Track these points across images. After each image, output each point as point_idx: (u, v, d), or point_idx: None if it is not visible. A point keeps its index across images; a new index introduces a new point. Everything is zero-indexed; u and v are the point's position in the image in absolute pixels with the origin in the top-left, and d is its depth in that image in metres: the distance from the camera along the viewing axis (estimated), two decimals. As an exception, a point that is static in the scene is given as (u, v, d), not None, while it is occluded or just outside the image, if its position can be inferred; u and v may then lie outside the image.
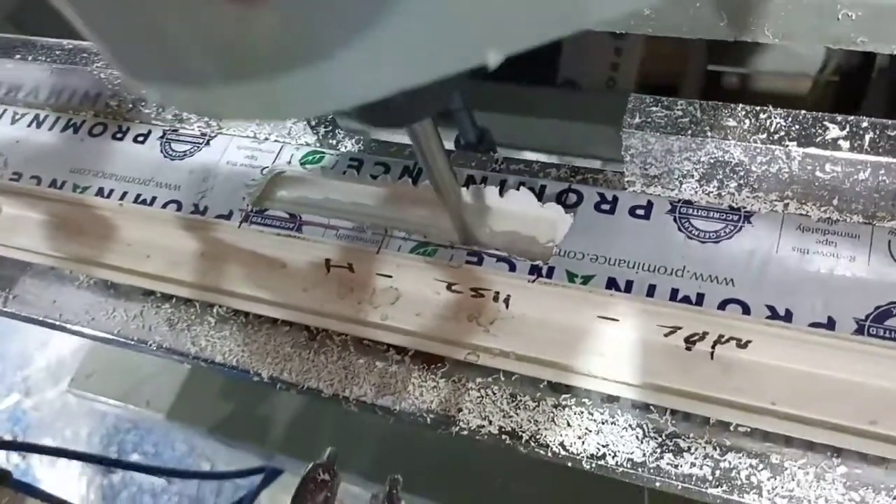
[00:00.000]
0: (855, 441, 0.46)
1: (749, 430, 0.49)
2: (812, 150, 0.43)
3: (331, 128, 0.61)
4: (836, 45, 0.46)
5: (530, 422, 0.53)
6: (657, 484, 0.50)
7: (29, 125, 0.69)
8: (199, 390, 1.27)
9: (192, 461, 2.28)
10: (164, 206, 0.60)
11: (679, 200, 0.51)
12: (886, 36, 0.45)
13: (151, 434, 2.44)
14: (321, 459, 0.49)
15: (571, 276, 0.50)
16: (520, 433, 0.53)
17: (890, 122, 0.43)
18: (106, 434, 2.41)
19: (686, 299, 0.47)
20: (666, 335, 0.50)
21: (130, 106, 0.65)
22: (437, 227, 0.55)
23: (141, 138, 0.65)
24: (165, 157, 0.63)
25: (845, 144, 0.43)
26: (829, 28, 0.45)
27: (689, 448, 0.50)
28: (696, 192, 0.50)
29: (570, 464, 0.53)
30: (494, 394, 0.55)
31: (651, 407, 0.51)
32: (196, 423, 1.23)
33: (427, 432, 1.18)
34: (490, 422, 0.54)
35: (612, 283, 0.49)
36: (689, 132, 0.46)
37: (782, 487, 0.47)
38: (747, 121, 0.45)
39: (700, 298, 0.47)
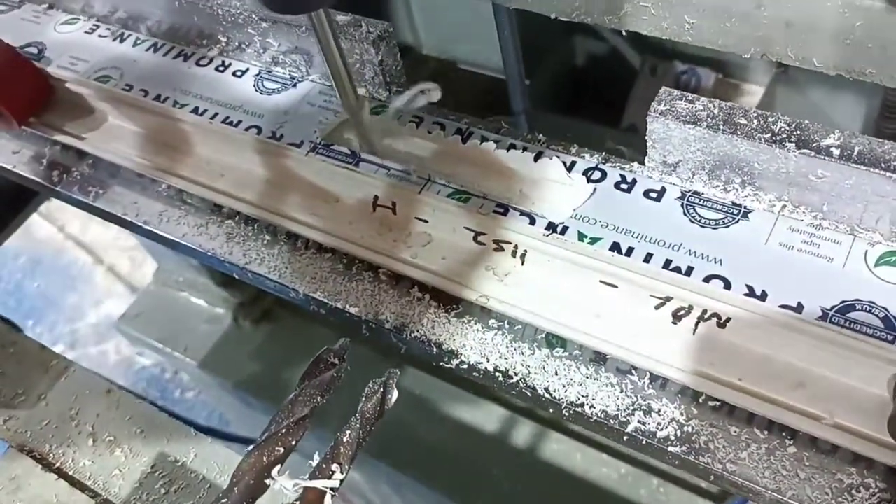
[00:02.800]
0: (806, 423, 0.50)
1: (717, 404, 0.54)
2: (806, 152, 0.49)
3: (402, 90, 0.70)
4: (849, 74, 0.53)
5: (523, 366, 0.59)
6: (624, 438, 0.56)
7: (147, 49, 0.80)
8: (232, 348, 1.35)
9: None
10: (247, 129, 0.70)
11: (690, 191, 0.57)
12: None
13: (176, 407, 2.53)
14: (334, 346, 0.55)
15: (581, 236, 0.56)
16: (512, 374, 0.59)
17: (878, 139, 0.49)
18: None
19: (677, 269, 0.53)
20: (657, 307, 0.56)
21: (237, 44, 0.75)
22: (476, 182, 0.62)
23: (239, 73, 0.75)
24: (257, 91, 0.73)
25: (836, 152, 0.49)
26: (844, 57, 0.52)
27: (659, 410, 0.55)
28: (705, 185, 0.56)
29: (551, 409, 0.58)
30: (496, 338, 0.61)
31: (633, 370, 0.57)
32: (224, 376, 1.31)
33: (430, 423, 1.24)
34: (488, 360, 0.60)
35: (615, 247, 0.55)
36: (705, 124, 0.52)
37: (735, 455, 0.52)
38: (756, 121, 0.52)
39: (689, 271, 0.53)
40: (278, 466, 0.48)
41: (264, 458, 0.49)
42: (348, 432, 0.50)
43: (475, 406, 1.27)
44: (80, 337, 2.74)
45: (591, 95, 1.31)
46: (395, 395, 0.52)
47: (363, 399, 0.52)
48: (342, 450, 0.49)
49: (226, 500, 0.47)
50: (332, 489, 0.48)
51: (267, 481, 0.48)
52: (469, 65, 1.25)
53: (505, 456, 1.22)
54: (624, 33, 0.61)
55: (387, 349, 0.66)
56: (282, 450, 0.49)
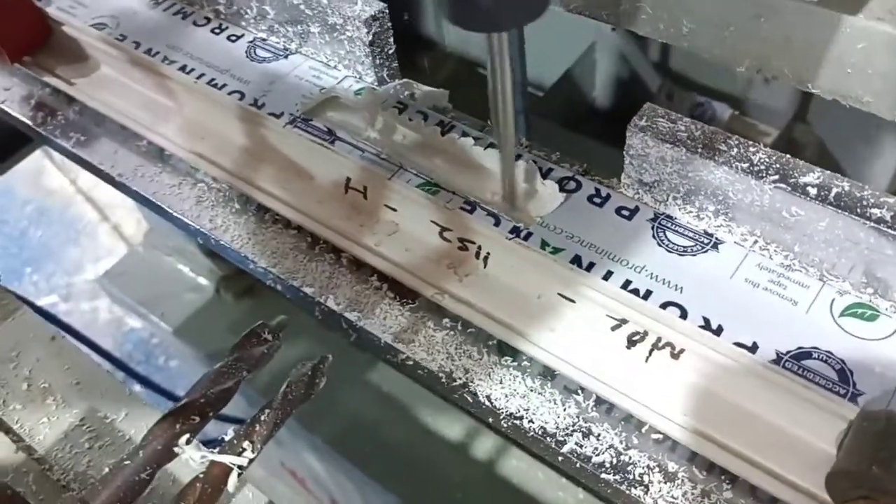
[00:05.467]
0: (746, 469, 0.48)
1: (661, 437, 0.52)
2: (782, 187, 0.47)
3: (392, 74, 0.68)
4: (845, 100, 0.51)
5: (467, 370, 0.57)
6: (559, 458, 0.53)
7: (148, 2, 0.79)
8: (210, 319, 1.34)
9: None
10: (230, 93, 0.68)
11: (663, 214, 0.55)
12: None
13: (157, 374, 2.51)
14: (270, 322, 0.54)
15: (544, 244, 0.54)
16: (455, 376, 0.57)
17: (860, 184, 0.46)
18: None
19: (635, 291, 0.51)
20: (613, 328, 0.54)
21: (235, 9, 0.73)
22: (448, 176, 0.60)
23: (234, 38, 0.74)
24: (248, 57, 0.71)
25: (813, 191, 0.47)
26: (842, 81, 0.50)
27: (599, 435, 0.53)
28: (679, 209, 0.54)
29: (490, 419, 0.56)
30: (447, 338, 0.59)
31: (580, 390, 0.54)
32: (198, 346, 1.30)
33: (396, 423, 1.21)
34: (434, 359, 0.58)
35: (576, 260, 0.53)
36: (683, 146, 0.50)
37: (668, 493, 0.50)
38: (736, 149, 0.49)
39: (647, 294, 0.51)
40: (188, 435, 0.46)
41: (177, 426, 0.47)
42: (267, 412, 0.49)
43: (444, 411, 1.25)
44: (76, 291, 2.74)
45: (602, 114, 1.29)
46: (323, 381, 0.50)
47: (287, 381, 0.50)
48: (257, 428, 0.47)
49: (129, 461, 0.45)
50: (239, 467, 0.46)
51: (175, 449, 0.46)
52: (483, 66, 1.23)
53: (466, 465, 1.20)
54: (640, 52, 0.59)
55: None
56: (197, 419, 0.48)
